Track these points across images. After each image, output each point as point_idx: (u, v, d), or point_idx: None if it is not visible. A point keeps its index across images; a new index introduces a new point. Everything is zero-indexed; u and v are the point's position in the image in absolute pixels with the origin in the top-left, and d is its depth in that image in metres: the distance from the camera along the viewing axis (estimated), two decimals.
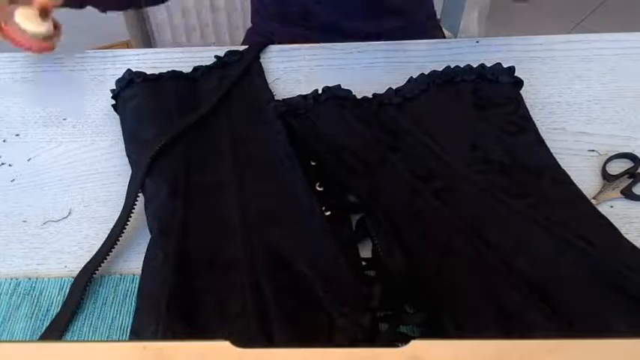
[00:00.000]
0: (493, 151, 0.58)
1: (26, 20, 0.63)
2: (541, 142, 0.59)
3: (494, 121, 0.61)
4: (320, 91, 0.64)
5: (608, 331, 0.43)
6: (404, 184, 0.55)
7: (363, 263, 0.51)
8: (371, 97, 0.64)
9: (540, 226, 0.50)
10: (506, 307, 0.45)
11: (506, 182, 0.55)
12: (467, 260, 0.49)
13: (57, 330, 0.47)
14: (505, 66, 0.65)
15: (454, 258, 0.49)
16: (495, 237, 0.50)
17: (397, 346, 0.30)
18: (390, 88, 0.65)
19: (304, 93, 0.65)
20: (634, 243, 0.50)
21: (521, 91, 0.64)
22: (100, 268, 0.50)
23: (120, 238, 0.52)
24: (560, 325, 0.44)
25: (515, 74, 0.64)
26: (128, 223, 0.52)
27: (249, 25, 0.99)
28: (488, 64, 0.65)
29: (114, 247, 0.51)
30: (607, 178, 0.57)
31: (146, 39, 1.72)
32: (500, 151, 0.58)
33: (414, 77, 0.65)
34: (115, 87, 0.65)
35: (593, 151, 0.61)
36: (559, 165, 0.57)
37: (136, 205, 0.53)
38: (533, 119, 0.62)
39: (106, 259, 0.51)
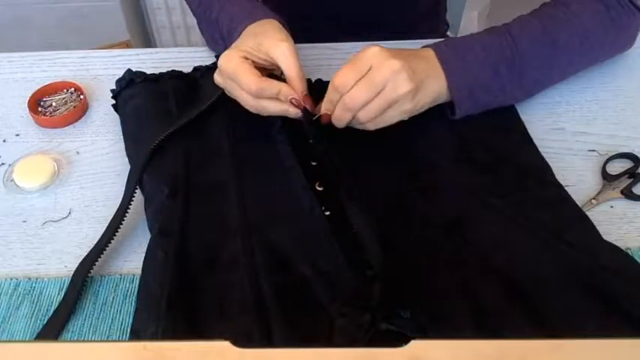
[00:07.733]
0: (479, 150, 0.58)
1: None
2: (529, 141, 0.59)
3: (481, 120, 0.60)
4: None
5: (581, 330, 0.44)
6: (389, 181, 0.55)
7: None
8: None
9: (519, 226, 0.51)
10: (482, 305, 0.45)
11: (489, 181, 0.55)
12: (446, 258, 0.49)
13: (55, 326, 0.47)
14: None
15: (434, 255, 0.49)
16: (474, 235, 0.50)
17: (397, 346, 0.31)
18: None
19: None
20: (634, 243, 0.50)
21: None
22: (100, 268, 0.50)
23: (118, 231, 0.52)
24: (535, 324, 0.44)
25: None
26: (127, 213, 0.52)
27: None
28: None
29: (113, 238, 0.51)
30: (607, 178, 0.57)
31: (146, 39, 1.72)
32: (486, 150, 0.58)
33: None
34: (115, 87, 0.65)
35: (593, 151, 0.60)
36: (547, 165, 0.57)
37: (134, 198, 0.53)
38: (534, 119, 0.61)
39: (105, 250, 0.51)
